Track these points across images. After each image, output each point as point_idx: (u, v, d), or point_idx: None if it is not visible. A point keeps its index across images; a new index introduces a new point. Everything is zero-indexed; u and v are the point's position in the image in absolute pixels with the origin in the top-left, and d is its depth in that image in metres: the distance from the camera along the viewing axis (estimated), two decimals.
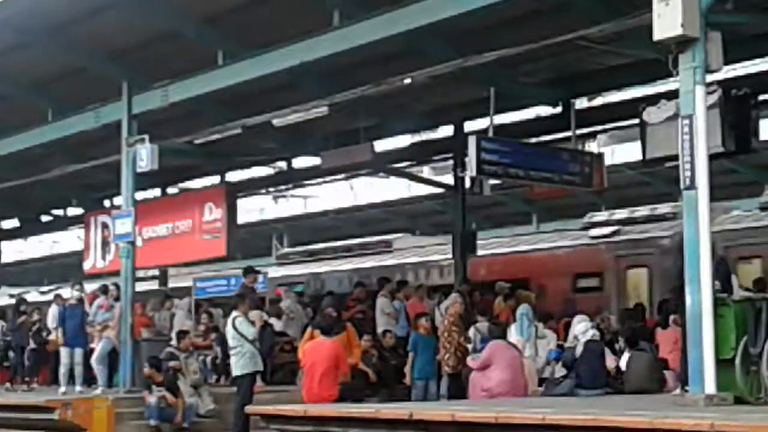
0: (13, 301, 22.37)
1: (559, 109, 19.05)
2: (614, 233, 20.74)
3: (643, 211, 21.22)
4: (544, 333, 17.24)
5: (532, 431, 10.23)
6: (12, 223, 30.71)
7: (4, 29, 17.68)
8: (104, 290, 19.61)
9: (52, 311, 21.49)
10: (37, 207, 28.57)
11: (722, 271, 11.63)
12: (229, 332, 15.56)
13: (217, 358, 19.52)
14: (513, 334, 16.61)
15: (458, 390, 15.56)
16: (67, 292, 20.37)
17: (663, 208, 20.71)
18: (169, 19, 16.97)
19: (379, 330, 18.02)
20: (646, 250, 19.59)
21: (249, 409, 14.29)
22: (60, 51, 18.24)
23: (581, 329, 15.21)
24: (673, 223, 18.72)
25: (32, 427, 16.64)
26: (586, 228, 21.84)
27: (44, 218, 29.81)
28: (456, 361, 15.80)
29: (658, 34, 11.32)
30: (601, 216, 22.17)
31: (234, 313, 15.62)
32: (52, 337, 21.42)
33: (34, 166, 22.51)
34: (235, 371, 15.43)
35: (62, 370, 19.30)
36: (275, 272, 25.61)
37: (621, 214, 21.61)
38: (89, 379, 19.31)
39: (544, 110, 20.26)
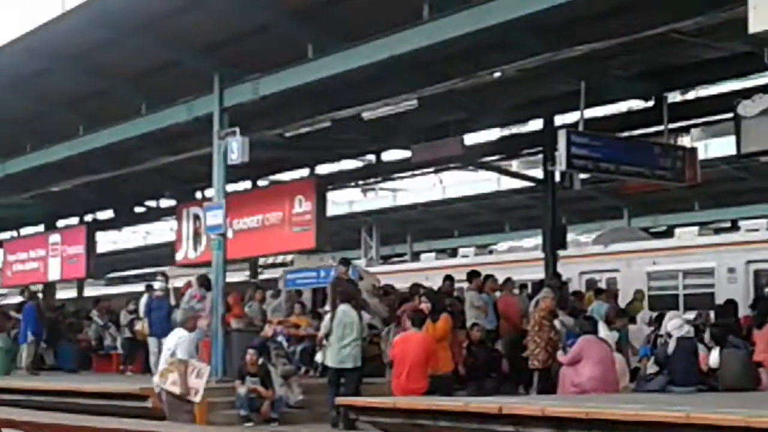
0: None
1: (651, 103, 18.82)
2: None
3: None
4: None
5: (624, 428, 10.15)
6: (107, 214, 31.27)
7: (97, 25, 17.96)
8: (201, 282, 19.87)
9: (143, 301, 21.90)
10: (131, 198, 29.02)
11: None
12: (355, 323, 15.65)
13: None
14: (602, 329, 16.48)
15: (548, 385, 15.48)
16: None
17: None
18: (260, 13, 17.10)
19: (468, 323, 17.97)
20: None
21: (339, 400, 14.39)
22: (153, 46, 18.48)
23: (675, 325, 15.01)
24: None
25: (126, 414, 16.91)
26: None
27: (138, 209, 30.28)
28: (546, 356, 15.71)
29: (753, 27, 11.11)
30: None
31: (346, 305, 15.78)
32: (137, 327, 21.88)
33: (128, 158, 22.89)
34: (354, 362, 15.56)
35: (152, 359, 19.70)
36: None
37: None
38: None
39: (636, 104, 20.03)
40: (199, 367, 14.27)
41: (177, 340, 14.05)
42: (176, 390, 13.80)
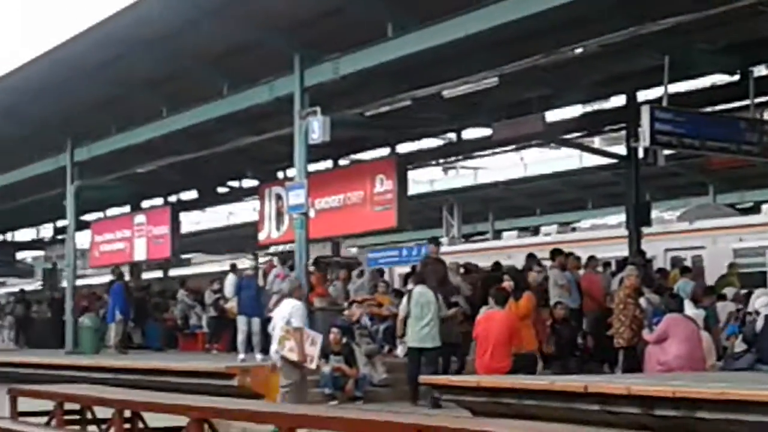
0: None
1: (736, 77, 18.51)
2: None
3: None
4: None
5: (711, 406, 10.03)
6: (190, 195, 31.65)
7: (179, 7, 18.16)
8: (284, 261, 20.01)
9: (229, 280, 22.12)
10: (214, 179, 29.33)
11: None
12: (432, 303, 15.74)
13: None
14: (689, 307, 16.29)
15: (633, 363, 15.35)
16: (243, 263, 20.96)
17: None
18: None
19: (552, 302, 17.89)
20: None
21: (423, 378, 14.42)
22: (234, 27, 18.60)
23: (763, 302, 14.81)
24: None
25: (212, 392, 17.07)
26: None
27: (220, 190, 30.58)
28: (631, 334, 15.56)
29: None
30: None
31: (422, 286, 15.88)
32: (228, 306, 22.15)
33: (210, 139, 23.10)
34: (433, 342, 15.66)
35: (240, 337, 19.90)
36: None
37: None
38: (268, 348, 19.80)
39: (721, 78, 19.70)
40: (313, 336, 14.52)
41: (291, 309, 14.24)
42: (293, 357, 14.04)
